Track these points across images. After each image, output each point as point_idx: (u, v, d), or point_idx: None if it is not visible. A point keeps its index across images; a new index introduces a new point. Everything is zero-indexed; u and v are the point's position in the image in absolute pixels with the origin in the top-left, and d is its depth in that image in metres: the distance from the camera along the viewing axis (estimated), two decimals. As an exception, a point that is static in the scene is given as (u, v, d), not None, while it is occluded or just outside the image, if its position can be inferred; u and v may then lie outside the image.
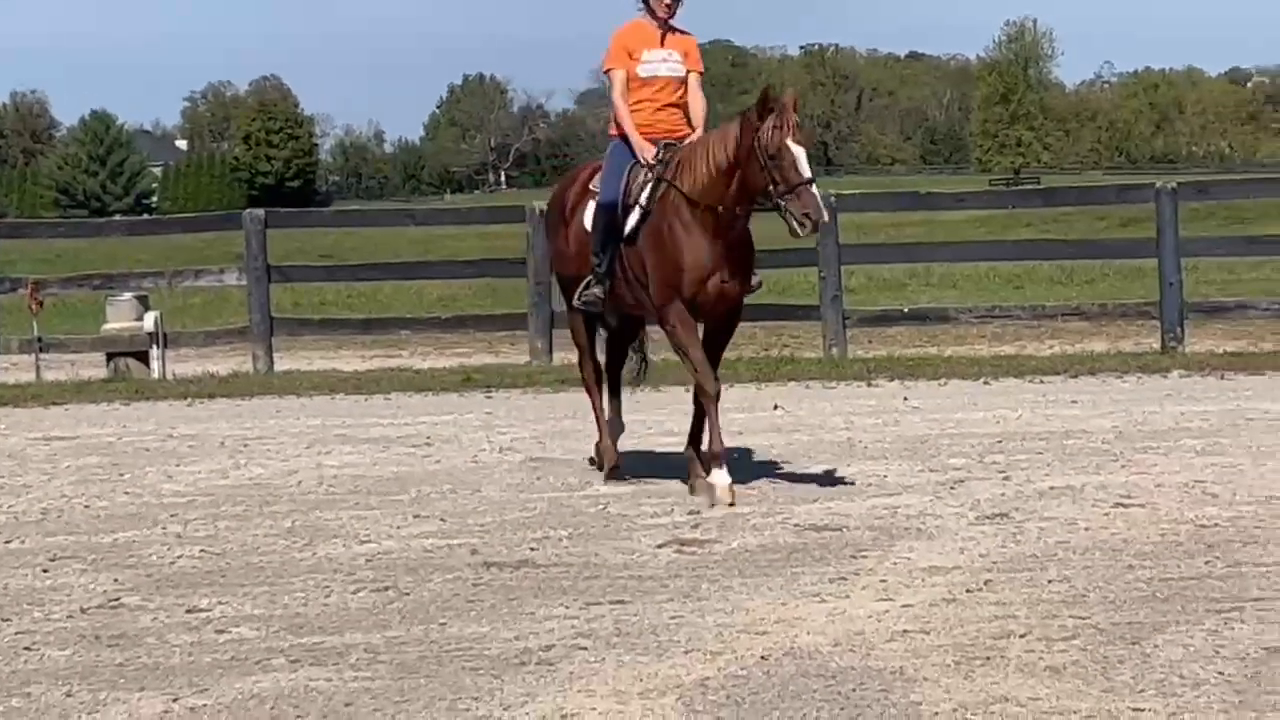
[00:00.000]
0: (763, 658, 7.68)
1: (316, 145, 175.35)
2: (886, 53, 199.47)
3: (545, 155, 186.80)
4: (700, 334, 11.42)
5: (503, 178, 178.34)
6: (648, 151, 11.14)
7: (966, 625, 8.16)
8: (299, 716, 6.79)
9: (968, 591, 8.96)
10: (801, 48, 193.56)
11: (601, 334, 12.85)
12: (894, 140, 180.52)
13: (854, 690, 7.07)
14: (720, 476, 11.17)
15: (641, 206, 11.03)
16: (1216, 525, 10.46)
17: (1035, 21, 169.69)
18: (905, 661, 7.52)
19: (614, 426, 12.58)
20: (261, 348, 22.08)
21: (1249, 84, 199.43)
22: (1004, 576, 9.33)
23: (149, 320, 22.01)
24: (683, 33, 11.62)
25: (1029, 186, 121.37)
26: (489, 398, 19.58)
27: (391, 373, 21.99)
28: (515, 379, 20.97)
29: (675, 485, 12.78)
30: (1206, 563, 9.37)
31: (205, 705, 6.96)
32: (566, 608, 8.85)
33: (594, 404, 12.62)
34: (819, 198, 10.46)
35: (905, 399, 18.27)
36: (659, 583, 9.45)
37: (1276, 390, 17.30)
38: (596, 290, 11.38)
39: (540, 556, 10.35)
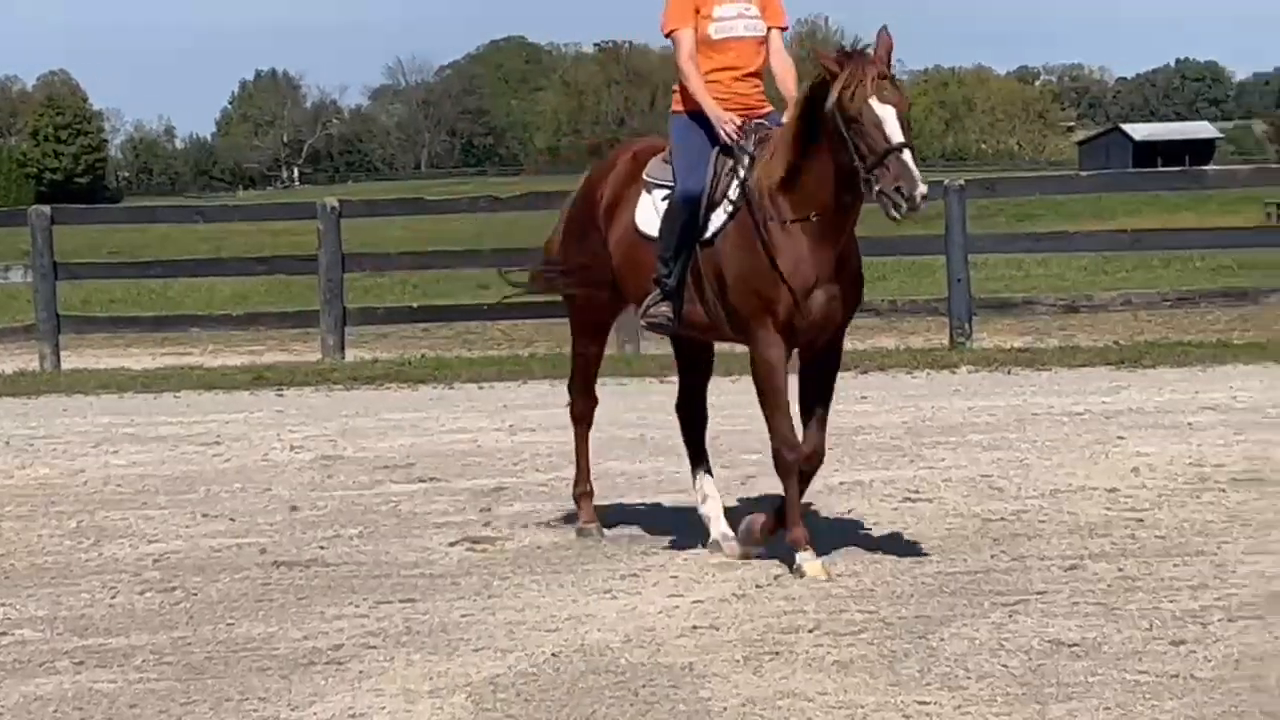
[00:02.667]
0: (553, 655, 7.71)
1: (106, 141, 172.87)
2: None
3: (339, 152, 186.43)
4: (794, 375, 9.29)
5: (296, 174, 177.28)
6: (729, 124, 9.06)
7: (756, 620, 8.25)
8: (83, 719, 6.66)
9: (757, 587, 9.05)
10: (596, 44, 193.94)
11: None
12: None
13: (643, 686, 7.12)
14: (809, 561, 8.98)
15: (731, 202, 8.94)
16: (1002, 519, 10.65)
17: (826, 19, 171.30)
18: (695, 657, 7.57)
19: (711, 504, 10.07)
20: (48, 346, 21.72)
21: (1037, 82, 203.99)
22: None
23: (-70, 318, 21.68)
24: None
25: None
26: (280, 395, 19.38)
27: (181, 371, 21.62)
28: (307, 377, 20.75)
29: (464, 483, 12.86)
30: (992, 556, 9.54)
31: (-13, 709, 6.68)
32: (356, 607, 8.85)
33: (580, 441, 10.81)
34: (914, 169, 8.14)
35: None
36: (450, 581, 9.49)
37: (1061, 386, 17.72)
38: (665, 308, 9.23)
39: (330, 555, 10.33)
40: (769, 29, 9.40)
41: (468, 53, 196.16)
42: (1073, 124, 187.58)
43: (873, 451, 13.90)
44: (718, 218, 8.96)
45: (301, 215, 25.11)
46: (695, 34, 9.27)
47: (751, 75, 9.37)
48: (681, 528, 10.79)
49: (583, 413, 10.67)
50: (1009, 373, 18.83)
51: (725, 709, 6.77)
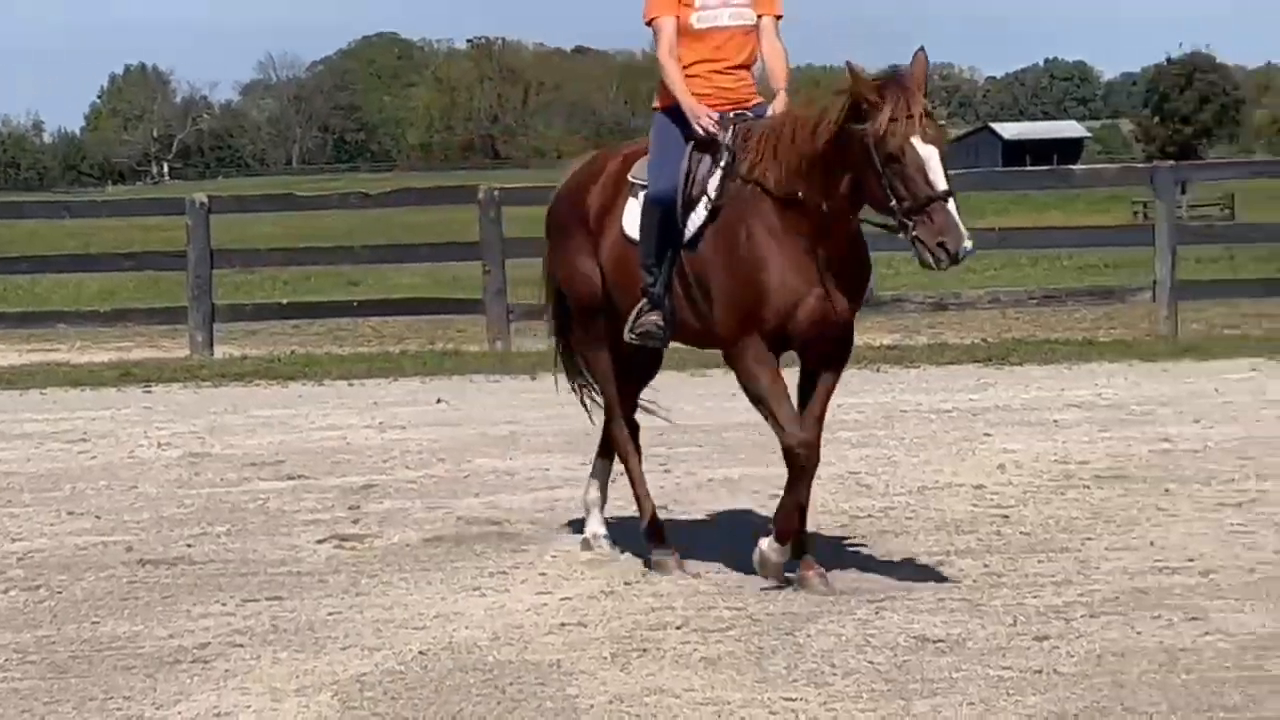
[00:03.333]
0: (420, 653, 7.75)
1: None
2: (554, 47, 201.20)
3: (209, 147, 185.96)
4: (798, 373, 8.85)
5: (165, 170, 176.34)
6: (705, 118, 8.52)
7: (624, 617, 8.32)
8: (-56, 720, 6.46)
9: (625, 584, 9.12)
10: (469, 41, 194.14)
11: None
12: (561, 134, 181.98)
13: (510, 684, 7.17)
14: (772, 548, 8.63)
15: (710, 199, 8.42)
16: (870, 516, 10.76)
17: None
18: (562, 654, 7.63)
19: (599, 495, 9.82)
20: (-88, 342, 21.27)
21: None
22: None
23: None
24: None
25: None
26: (148, 392, 19.16)
27: (48, 368, 21.33)
28: (175, 374, 20.51)
29: (333, 480, 12.81)
30: (859, 553, 9.70)
31: None
32: (223, 605, 8.83)
33: (631, 471, 9.69)
34: (958, 219, 7.65)
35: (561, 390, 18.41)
36: (317, 579, 9.49)
37: (930, 383, 17.88)
38: (654, 317, 8.67)
39: (197, 553, 10.27)
40: (760, 17, 8.81)
41: (339, 48, 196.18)
42: (943, 123, 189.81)
43: (742, 448, 13.75)
44: (696, 218, 8.44)
45: (170, 211, 24.94)
46: (677, 22, 8.70)
47: (739, 68, 8.82)
48: (551, 525, 10.90)
49: (624, 441, 9.65)
50: (878, 370, 18.94)
51: (592, 706, 6.82)
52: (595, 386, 9.79)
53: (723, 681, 7.12)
